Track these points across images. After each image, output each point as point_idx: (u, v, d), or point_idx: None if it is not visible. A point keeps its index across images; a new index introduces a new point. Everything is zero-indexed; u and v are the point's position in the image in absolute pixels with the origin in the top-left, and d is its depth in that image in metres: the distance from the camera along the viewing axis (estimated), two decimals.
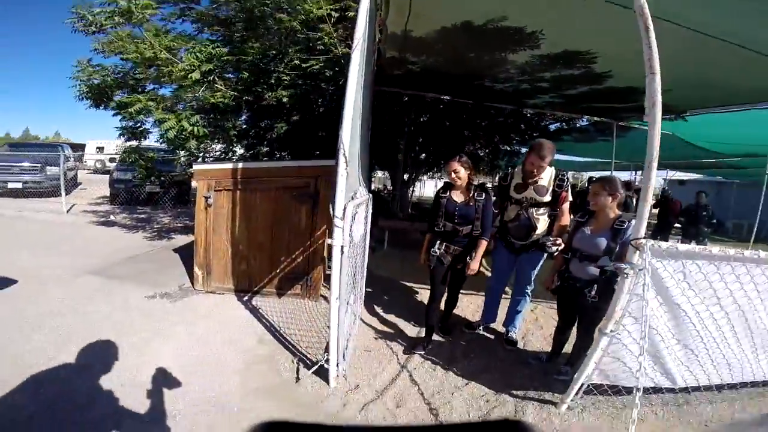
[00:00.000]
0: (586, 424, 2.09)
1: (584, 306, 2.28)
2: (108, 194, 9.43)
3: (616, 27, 2.59)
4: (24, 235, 5.28)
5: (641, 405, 2.14)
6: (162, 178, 6.74)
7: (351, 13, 3.57)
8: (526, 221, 2.74)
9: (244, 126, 4.49)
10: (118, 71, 4.65)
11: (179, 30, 4.88)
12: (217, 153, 5.34)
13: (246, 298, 3.42)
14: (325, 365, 2.27)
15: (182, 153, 5.04)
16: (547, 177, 2.72)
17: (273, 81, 3.98)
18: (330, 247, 3.39)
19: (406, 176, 7.65)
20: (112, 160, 10.01)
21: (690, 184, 16.71)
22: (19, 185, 8.89)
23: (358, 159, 2.74)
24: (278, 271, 3.43)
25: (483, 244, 2.66)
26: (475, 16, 3.05)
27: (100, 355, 2.37)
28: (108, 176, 10.48)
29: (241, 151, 5.79)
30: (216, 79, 3.87)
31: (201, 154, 4.81)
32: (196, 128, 3.60)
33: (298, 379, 2.34)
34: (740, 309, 2.03)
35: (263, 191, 3.30)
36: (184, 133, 3.60)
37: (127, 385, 2.10)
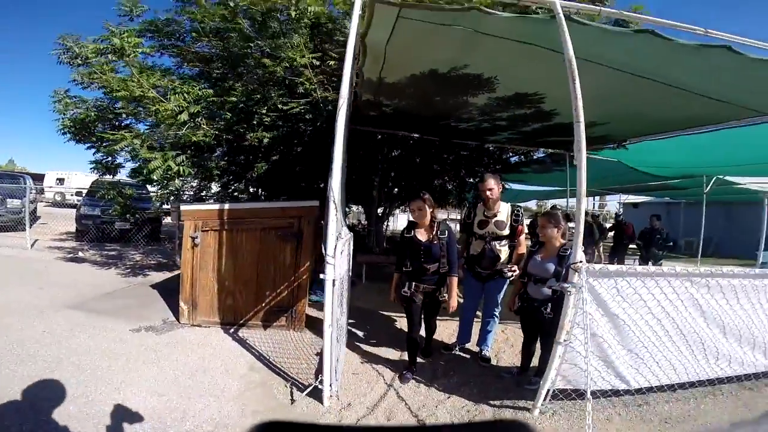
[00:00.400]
0: (557, 426, 2.36)
1: (542, 321, 2.63)
2: (73, 230, 9.09)
3: (556, 71, 3.05)
4: None
5: (607, 407, 2.47)
6: (136, 216, 6.73)
7: (331, 62, 3.96)
8: (490, 253, 3.11)
9: (223, 164, 4.68)
10: (99, 105, 4.79)
11: (158, 63, 5.13)
12: (193, 190, 5.47)
13: (232, 330, 3.52)
14: (319, 386, 2.45)
15: (157, 190, 5.11)
16: (504, 212, 3.15)
17: (255, 122, 4.26)
18: (312, 280, 3.62)
19: (380, 211, 7.99)
20: (78, 193, 9.68)
21: (643, 207, 17.94)
22: None
23: (341, 201, 3.04)
24: (264, 304, 3.58)
25: (454, 281, 2.85)
26: (440, 65, 3.52)
27: (93, 385, 2.43)
28: (72, 210, 10.14)
29: (216, 188, 5.94)
30: (203, 119, 4.09)
31: (177, 192, 4.93)
32: (181, 168, 3.79)
33: (293, 400, 2.49)
34: (669, 315, 2.43)
35: (249, 231, 3.51)
36: (169, 172, 3.78)
37: (124, 414, 2.17)
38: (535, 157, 8.05)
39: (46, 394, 2.28)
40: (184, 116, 3.72)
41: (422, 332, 3.18)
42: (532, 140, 6.13)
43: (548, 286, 2.57)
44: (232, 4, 3.97)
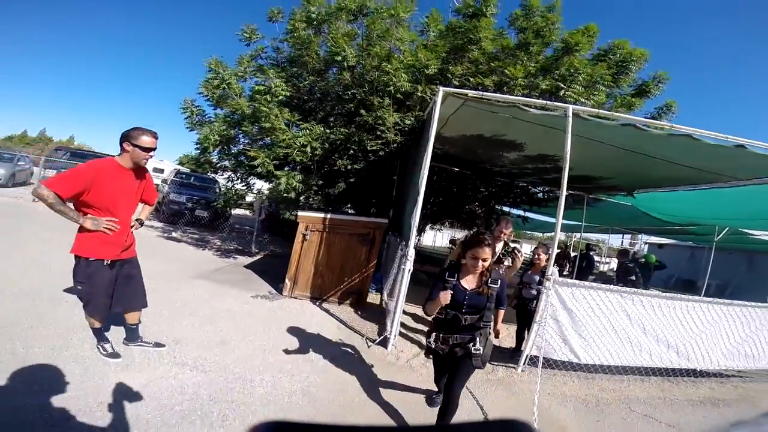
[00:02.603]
0: (531, 378, 3.75)
1: (530, 312, 4.06)
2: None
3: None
4: None
5: (565, 376, 3.88)
6: (218, 207, 8.61)
7: (407, 121, 5.58)
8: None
9: (320, 182, 6.35)
10: (228, 122, 6.65)
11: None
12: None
13: (318, 303, 5.12)
14: (388, 336, 3.98)
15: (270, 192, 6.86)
16: (498, 246, 4.18)
17: (344, 154, 5.93)
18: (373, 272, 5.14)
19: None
20: (164, 181, 11.85)
21: (668, 248, 18.82)
22: None
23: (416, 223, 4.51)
24: (341, 287, 5.16)
25: (501, 313, 2.72)
26: (485, 132, 5.10)
27: (244, 331, 3.98)
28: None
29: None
30: (317, 148, 5.79)
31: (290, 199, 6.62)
32: (298, 185, 5.50)
33: (369, 346, 4.01)
34: (605, 314, 3.84)
35: (340, 234, 5.11)
36: (290, 186, 5.48)
37: (268, 349, 3.67)
38: (557, 195, 9.44)
39: (221, 336, 3.67)
40: (308, 149, 5.46)
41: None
42: (553, 183, 7.58)
43: (534, 288, 4.08)
44: (340, 58, 5.67)
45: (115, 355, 2.82)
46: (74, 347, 2.83)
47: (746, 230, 10.45)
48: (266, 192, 7.53)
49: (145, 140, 2.64)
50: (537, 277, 4.15)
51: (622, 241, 22.15)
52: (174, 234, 8.71)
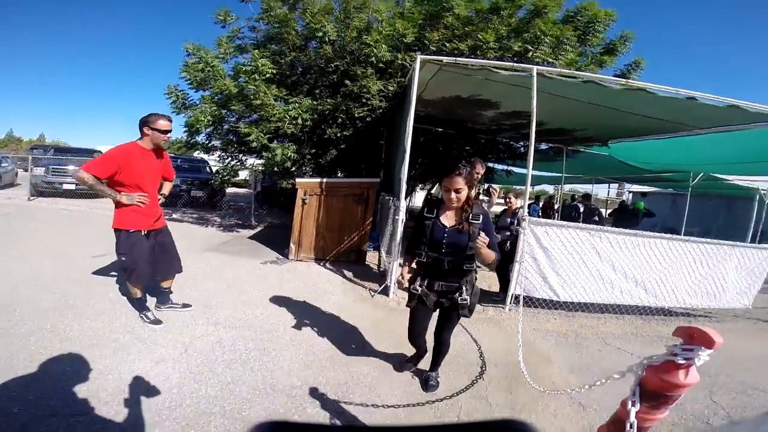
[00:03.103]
0: (515, 315, 4.39)
1: (506, 254, 4.54)
2: None
3: (540, 100, 4.96)
4: None
5: (548, 314, 4.51)
6: (215, 186, 8.98)
7: (390, 87, 5.95)
8: None
9: (313, 151, 6.77)
10: (219, 104, 6.96)
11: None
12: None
13: (322, 263, 5.68)
14: (389, 284, 4.57)
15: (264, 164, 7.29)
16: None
17: (333, 123, 6.32)
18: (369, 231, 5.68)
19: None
20: None
21: (651, 196, 19.64)
22: (73, 186, 10.35)
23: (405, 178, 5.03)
24: (342, 246, 5.72)
25: (492, 255, 2.19)
26: (462, 93, 5.53)
27: (264, 291, 4.54)
28: None
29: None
30: (308, 119, 6.18)
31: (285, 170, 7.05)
32: (293, 155, 5.92)
33: (372, 296, 4.60)
34: (577, 252, 4.43)
35: (337, 196, 5.59)
36: (285, 158, 5.90)
37: (286, 304, 4.26)
38: (540, 148, 9.93)
39: (243, 298, 4.18)
40: (299, 120, 5.86)
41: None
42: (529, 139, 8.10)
43: (509, 231, 4.65)
44: (321, 34, 5.96)
45: (157, 321, 3.25)
46: (120, 319, 3.30)
47: (720, 175, 11.12)
48: (259, 166, 7.89)
49: (162, 123, 3.08)
50: (508, 220, 4.72)
51: (608, 191, 23.10)
52: (174, 215, 9.09)
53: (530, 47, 5.65)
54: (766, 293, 5.67)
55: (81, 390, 2.24)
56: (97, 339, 2.88)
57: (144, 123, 3.06)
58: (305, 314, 3.82)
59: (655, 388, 1.15)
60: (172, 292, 3.63)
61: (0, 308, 3.18)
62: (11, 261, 4.46)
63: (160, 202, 3.37)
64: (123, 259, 3.09)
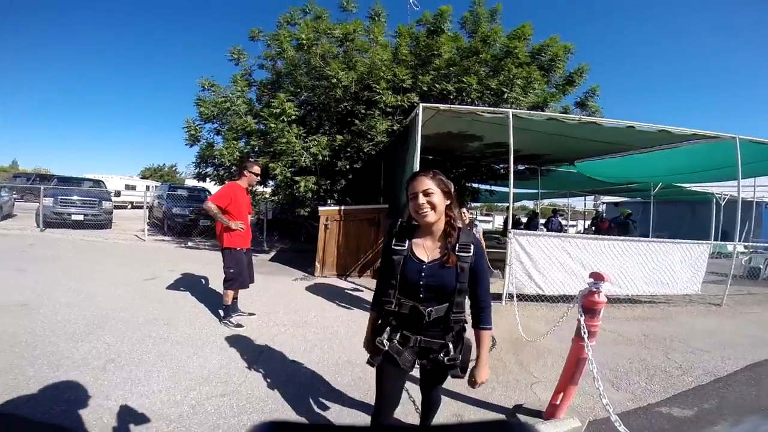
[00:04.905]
0: (512, 308, 5.53)
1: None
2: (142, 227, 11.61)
3: (517, 134, 6.37)
4: (156, 255, 8.17)
5: (537, 305, 5.71)
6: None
7: (395, 127, 7.24)
8: None
9: (328, 181, 7.93)
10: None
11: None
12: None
13: (343, 278, 6.74)
14: None
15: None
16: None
17: (343, 156, 7.54)
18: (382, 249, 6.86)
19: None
20: (169, 196, 12.45)
21: (622, 205, 21.54)
22: (81, 217, 11.12)
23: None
24: (359, 263, 6.81)
25: (487, 338, 1.69)
26: (453, 130, 6.86)
27: (299, 302, 5.58)
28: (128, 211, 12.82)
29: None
30: (326, 155, 7.37)
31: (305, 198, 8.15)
32: (313, 186, 7.08)
33: None
34: (553, 255, 5.69)
35: (354, 221, 6.73)
36: (306, 188, 7.06)
37: (324, 309, 5.31)
38: (518, 169, 11.48)
39: (291, 307, 5.26)
40: (319, 156, 7.04)
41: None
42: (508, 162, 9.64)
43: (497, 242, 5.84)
44: (335, 81, 7.24)
45: (239, 325, 4.07)
46: (207, 330, 4.28)
47: (678, 184, 12.84)
48: (269, 195, 8.95)
49: (257, 169, 4.27)
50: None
51: (585, 203, 25.10)
52: (190, 244, 9.96)
53: (505, 89, 7.08)
54: (721, 283, 6.99)
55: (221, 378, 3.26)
56: (201, 341, 3.77)
57: (244, 168, 4.23)
58: (346, 313, 4.89)
59: (588, 306, 2.34)
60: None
61: (105, 324, 3.99)
62: (83, 285, 5.27)
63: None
64: (231, 270, 4.12)
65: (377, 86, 7.04)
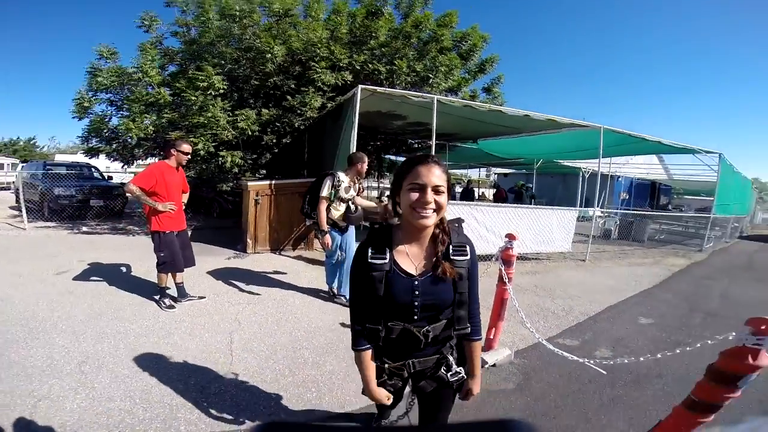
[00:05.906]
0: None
1: None
2: (14, 211, 10.61)
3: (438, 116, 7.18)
4: (50, 245, 7.26)
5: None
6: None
7: (328, 104, 7.43)
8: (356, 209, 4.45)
9: (254, 155, 7.77)
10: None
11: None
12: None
13: (277, 253, 6.94)
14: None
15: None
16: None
17: (270, 130, 7.54)
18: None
19: None
20: (45, 176, 10.57)
21: (511, 176, 24.79)
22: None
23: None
24: (292, 236, 7.08)
25: (477, 349, 1.49)
26: (382, 109, 7.43)
27: (238, 285, 5.71)
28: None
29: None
30: (255, 130, 7.24)
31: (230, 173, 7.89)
32: (239, 161, 6.98)
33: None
34: (466, 221, 6.80)
35: (285, 195, 6.86)
36: (233, 163, 6.93)
37: (272, 284, 5.58)
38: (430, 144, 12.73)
39: (240, 285, 5.39)
40: (248, 131, 6.90)
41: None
42: (423, 137, 10.61)
43: None
44: (269, 55, 7.09)
45: (171, 306, 4.10)
46: (164, 318, 4.32)
47: (555, 160, 15.38)
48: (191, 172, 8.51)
49: (186, 147, 4.17)
50: None
51: (479, 173, 28.29)
52: (84, 229, 8.82)
53: (430, 75, 7.82)
54: (585, 243, 8.79)
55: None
56: (165, 331, 3.91)
57: (171, 146, 4.10)
58: (293, 287, 5.22)
59: (506, 258, 3.16)
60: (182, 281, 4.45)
61: (44, 326, 3.89)
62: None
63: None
64: (162, 254, 4.08)
65: (317, 65, 7.13)
